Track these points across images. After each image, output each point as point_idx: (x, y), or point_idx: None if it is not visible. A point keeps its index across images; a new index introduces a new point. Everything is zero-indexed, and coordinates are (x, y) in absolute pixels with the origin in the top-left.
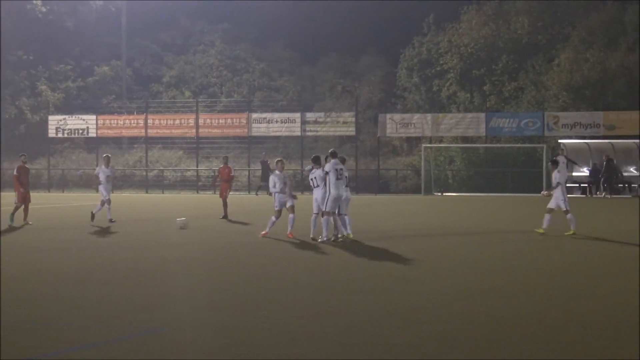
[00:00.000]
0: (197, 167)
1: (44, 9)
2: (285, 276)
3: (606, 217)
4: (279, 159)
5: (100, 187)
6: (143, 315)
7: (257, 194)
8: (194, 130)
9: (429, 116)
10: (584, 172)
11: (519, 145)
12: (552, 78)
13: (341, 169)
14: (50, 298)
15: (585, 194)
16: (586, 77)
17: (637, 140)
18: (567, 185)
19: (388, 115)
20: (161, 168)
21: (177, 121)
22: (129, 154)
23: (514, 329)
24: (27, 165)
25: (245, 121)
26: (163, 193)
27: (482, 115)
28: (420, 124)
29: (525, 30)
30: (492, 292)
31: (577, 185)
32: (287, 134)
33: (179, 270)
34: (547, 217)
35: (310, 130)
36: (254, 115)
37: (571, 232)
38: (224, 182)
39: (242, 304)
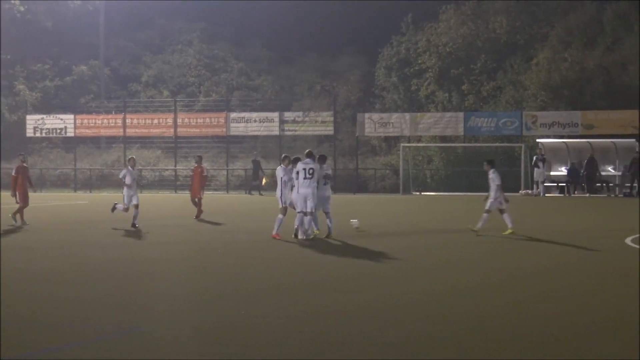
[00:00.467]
0: (175, 166)
1: (22, 8)
2: (266, 276)
3: (590, 217)
4: (284, 155)
5: (125, 190)
6: (123, 314)
7: (250, 194)
8: (172, 130)
9: (407, 115)
10: (562, 171)
11: (497, 144)
12: (530, 77)
13: (311, 169)
14: (28, 298)
15: (564, 193)
16: (564, 77)
17: (615, 140)
18: (546, 184)
19: (366, 115)
20: (139, 168)
21: (156, 121)
22: (107, 154)
23: (502, 327)
24: (25, 164)
25: (223, 120)
26: (141, 192)
27: (461, 114)
28: (398, 123)
29: (504, 30)
30: (474, 291)
31: (555, 184)
32: (265, 133)
33: (159, 270)
34: (505, 218)
35: (289, 130)
36: (233, 115)
37: (509, 231)
38: (196, 182)
39: (223, 303)
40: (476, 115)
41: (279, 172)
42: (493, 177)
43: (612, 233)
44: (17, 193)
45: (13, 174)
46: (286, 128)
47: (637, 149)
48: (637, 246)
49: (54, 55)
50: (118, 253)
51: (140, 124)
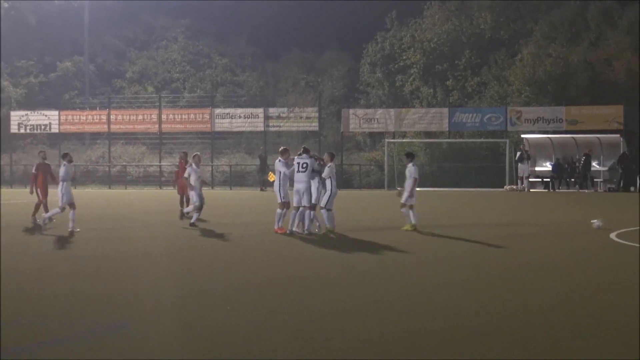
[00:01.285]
0: (159, 162)
1: (6, 5)
2: (252, 273)
3: (575, 212)
4: (284, 147)
5: (61, 187)
6: (105, 311)
7: (263, 190)
8: (156, 126)
9: (392, 111)
10: (547, 166)
11: (481, 140)
12: (514, 73)
13: (304, 163)
14: (11, 295)
15: (548, 188)
16: (549, 72)
17: (600, 135)
18: (531, 180)
19: (351, 111)
20: (124, 164)
21: (140, 117)
22: (91, 150)
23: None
24: (47, 161)
25: (208, 116)
26: (126, 189)
27: (445, 110)
28: (383, 119)
29: (488, 26)
30: (460, 287)
31: (540, 180)
32: (250, 129)
33: (142, 267)
34: (410, 213)
35: (274, 126)
36: (217, 111)
37: (408, 226)
38: (182, 179)
39: (208, 301)
40: (461, 111)
41: (278, 165)
42: (412, 171)
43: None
44: (37, 191)
45: (33, 171)
46: (271, 124)
47: (621, 145)
48: (623, 242)
49: (39, 52)
50: (101, 249)
51: (124, 120)
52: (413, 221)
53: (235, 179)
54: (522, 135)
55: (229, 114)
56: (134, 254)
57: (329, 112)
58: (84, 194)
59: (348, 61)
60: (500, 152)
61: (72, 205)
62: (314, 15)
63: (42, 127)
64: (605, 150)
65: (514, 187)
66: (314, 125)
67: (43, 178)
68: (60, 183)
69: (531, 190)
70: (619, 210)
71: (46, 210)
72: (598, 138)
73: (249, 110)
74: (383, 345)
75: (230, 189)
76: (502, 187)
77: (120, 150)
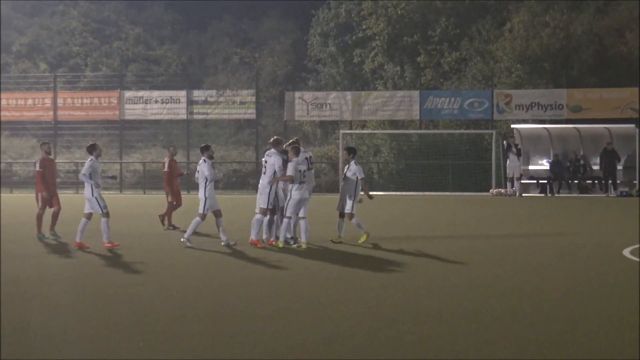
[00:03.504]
0: (54, 158)
1: None
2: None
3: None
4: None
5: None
6: None
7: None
8: (51, 113)
9: (348, 95)
10: (544, 164)
11: (461, 131)
12: (503, 47)
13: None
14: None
15: (545, 192)
16: (545, 46)
17: (610, 125)
18: (523, 181)
19: (297, 94)
20: (10, 161)
21: (30, 101)
22: None
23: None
24: (51, 157)
25: (116, 101)
26: (12, 192)
27: (416, 93)
28: (337, 104)
29: None
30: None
31: (535, 181)
32: (169, 117)
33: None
34: (354, 221)
35: (199, 113)
36: (127, 94)
37: (365, 237)
38: (173, 179)
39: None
40: (435, 95)
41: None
42: (356, 170)
43: (608, 242)
44: (38, 196)
45: (37, 168)
46: (195, 110)
47: (637, 137)
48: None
49: None
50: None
51: (10, 105)
52: (342, 234)
53: (150, 181)
54: (512, 126)
55: (143, 97)
56: (24, 277)
57: (268, 96)
58: None
59: (293, 31)
60: (485, 147)
61: None
62: None
63: None
64: (617, 144)
65: (502, 190)
66: (250, 113)
67: (50, 176)
68: None
69: (523, 194)
70: (634, 220)
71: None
72: (607, 129)
73: (167, 93)
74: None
75: (144, 193)
76: (488, 191)
77: (4, 143)
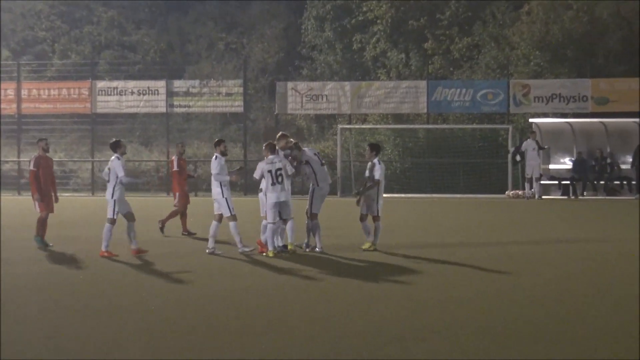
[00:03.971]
0: (18, 157)
1: None
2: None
3: (602, 228)
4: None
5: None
6: None
7: None
8: (14, 106)
9: (347, 85)
10: (567, 163)
11: (474, 126)
12: (520, 32)
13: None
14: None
15: (568, 194)
16: (567, 31)
17: (639, 120)
18: (543, 182)
19: (290, 84)
20: None
21: None
22: None
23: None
24: (48, 155)
25: (87, 92)
26: None
27: (423, 83)
28: (335, 96)
29: None
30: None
31: (557, 182)
32: (147, 110)
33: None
34: (366, 226)
35: (180, 106)
36: (100, 84)
37: (368, 244)
38: (183, 180)
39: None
40: (444, 85)
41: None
42: (376, 169)
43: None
44: (36, 196)
45: (31, 167)
46: (176, 103)
47: None
48: None
49: None
50: None
51: None
52: (371, 238)
53: None
54: (531, 120)
55: (117, 88)
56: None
57: (258, 87)
58: None
59: (285, 14)
60: (500, 144)
61: None
62: None
63: None
64: None
65: (519, 192)
66: (237, 105)
67: (45, 177)
68: None
69: (543, 197)
70: None
71: (43, 230)
72: (637, 123)
73: (145, 84)
74: None
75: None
76: (503, 193)
77: None
